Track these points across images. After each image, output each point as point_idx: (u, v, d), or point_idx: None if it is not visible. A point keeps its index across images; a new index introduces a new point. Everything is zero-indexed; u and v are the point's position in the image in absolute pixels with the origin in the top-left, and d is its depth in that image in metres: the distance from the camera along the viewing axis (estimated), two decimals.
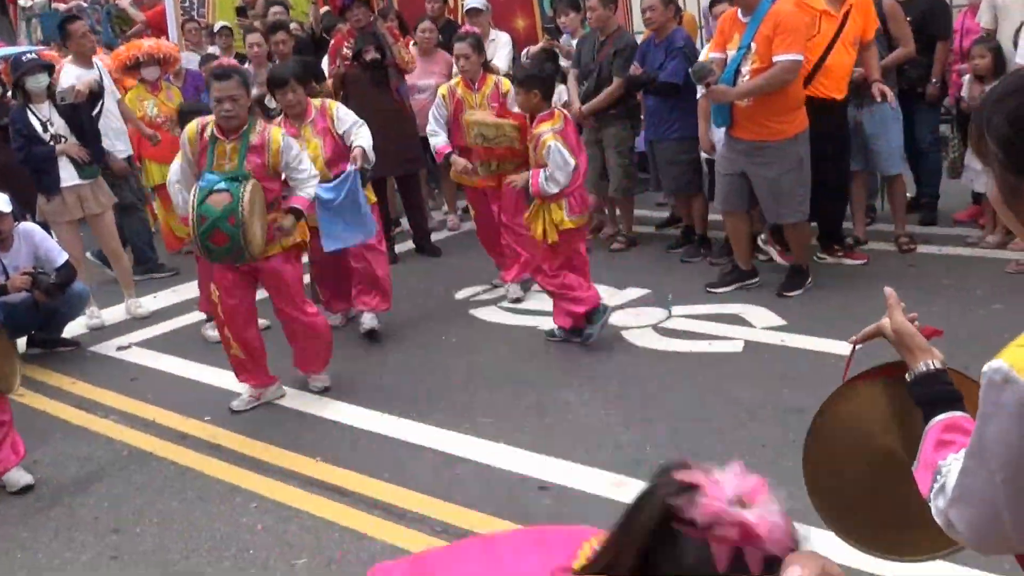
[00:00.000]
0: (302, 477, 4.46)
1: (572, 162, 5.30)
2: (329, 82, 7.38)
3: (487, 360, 5.64)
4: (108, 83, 7.61)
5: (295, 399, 5.37)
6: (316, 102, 5.91)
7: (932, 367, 1.78)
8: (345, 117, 5.84)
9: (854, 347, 1.99)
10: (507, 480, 4.23)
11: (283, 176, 5.13)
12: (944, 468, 1.60)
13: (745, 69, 5.66)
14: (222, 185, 4.78)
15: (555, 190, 5.28)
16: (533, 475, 4.25)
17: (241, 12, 10.61)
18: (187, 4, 11.39)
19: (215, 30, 9.88)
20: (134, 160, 8.21)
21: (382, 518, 4.03)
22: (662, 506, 1.31)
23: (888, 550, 2.01)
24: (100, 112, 7.25)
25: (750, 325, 5.61)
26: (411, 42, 8.01)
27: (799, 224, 6.05)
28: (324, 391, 5.41)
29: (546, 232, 5.40)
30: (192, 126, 5.02)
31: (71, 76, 7.22)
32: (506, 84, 6.38)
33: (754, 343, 5.38)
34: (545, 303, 6.25)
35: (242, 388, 5.30)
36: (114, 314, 7.08)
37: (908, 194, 7.18)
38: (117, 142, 7.56)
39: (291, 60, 7.12)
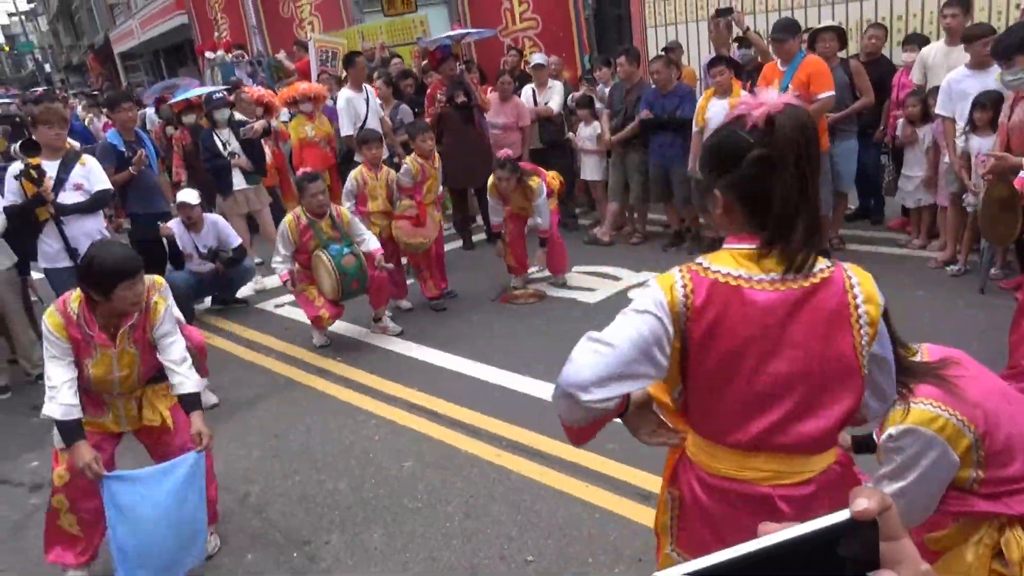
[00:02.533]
0: (407, 402, 4.50)
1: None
2: (428, 121, 7.39)
3: (539, 322, 5.62)
4: (374, 104, 7.41)
5: (399, 345, 5.40)
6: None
7: None
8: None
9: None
10: (551, 407, 4.19)
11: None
12: None
13: None
14: (347, 250, 5.20)
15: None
16: None
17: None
18: (323, 57, 11.46)
19: (341, 78, 9.94)
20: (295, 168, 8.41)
21: (463, 434, 4.05)
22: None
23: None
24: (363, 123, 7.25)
25: None
26: (489, 89, 7.99)
27: (824, 218, 6.01)
28: (399, 334, 5.50)
29: None
30: (289, 218, 5.27)
31: (343, 98, 7.25)
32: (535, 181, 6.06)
33: None
34: (580, 283, 6.27)
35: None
36: (273, 280, 7.14)
37: (851, 206, 7.04)
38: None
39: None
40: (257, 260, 7.30)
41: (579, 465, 3.61)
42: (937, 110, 5.63)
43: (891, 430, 1.90)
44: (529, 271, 6.46)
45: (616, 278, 6.40)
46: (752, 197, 1.46)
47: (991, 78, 5.28)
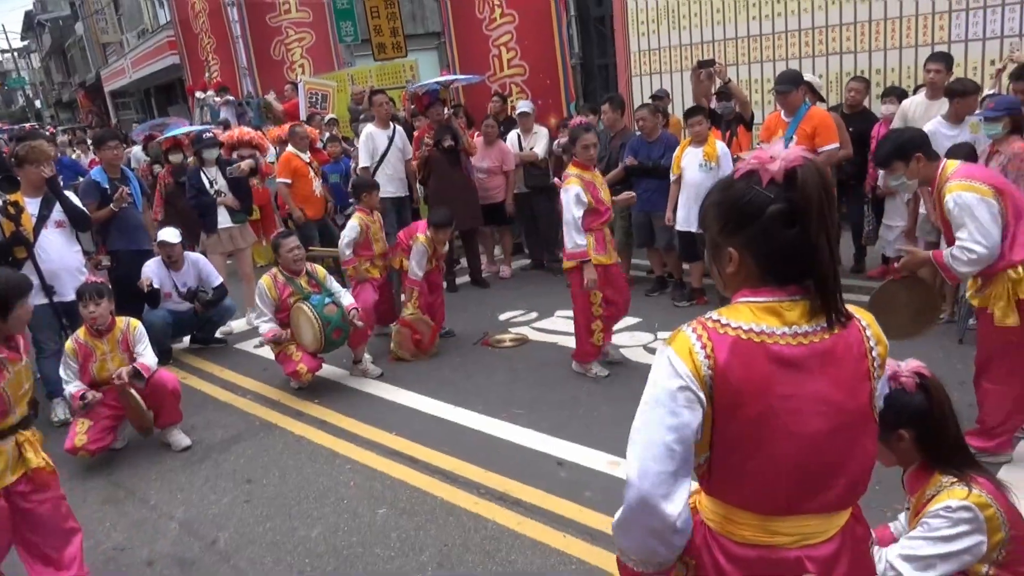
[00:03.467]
0: (384, 447, 4.44)
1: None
2: (415, 164, 7.48)
3: (521, 365, 5.59)
4: (399, 142, 7.60)
5: (379, 387, 5.34)
6: None
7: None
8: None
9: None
10: (533, 456, 4.18)
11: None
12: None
13: None
14: (328, 300, 5.24)
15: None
16: (552, 453, 4.20)
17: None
18: (313, 100, 11.58)
19: (325, 120, 10.16)
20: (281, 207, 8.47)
21: (440, 480, 3.99)
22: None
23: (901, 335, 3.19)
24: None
25: None
26: (475, 134, 8.06)
27: None
28: (380, 376, 5.46)
29: None
30: (266, 279, 5.27)
31: (365, 132, 7.61)
32: None
33: None
34: (563, 325, 6.25)
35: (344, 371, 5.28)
36: (241, 323, 7.09)
37: None
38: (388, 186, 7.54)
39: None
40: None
41: (557, 514, 3.56)
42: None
43: (951, 502, 2.01)
44: (513, 314, 6.47)
45: None
46: (773, 253, 1.43)
47: (965, 130, 5.41)
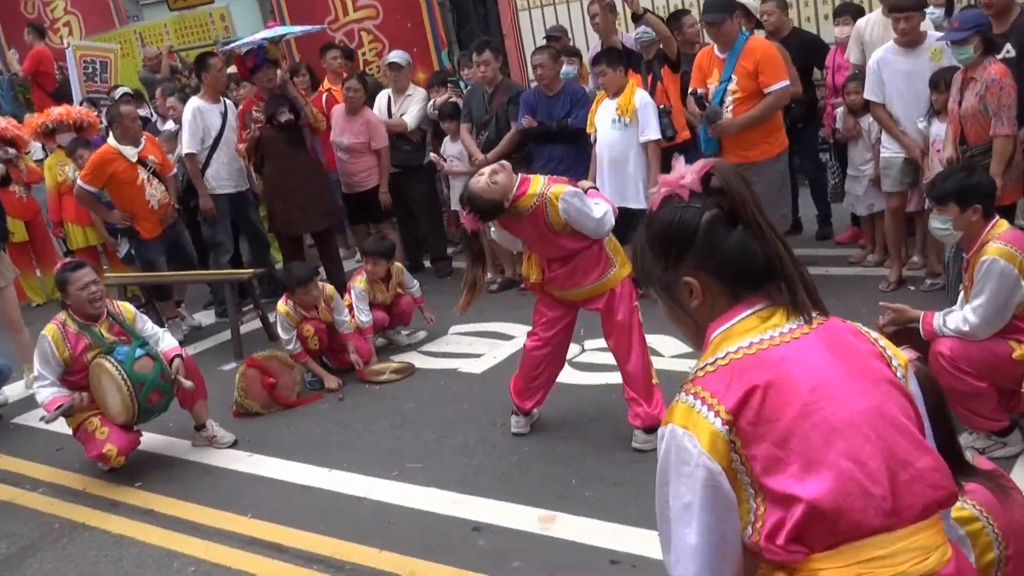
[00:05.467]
0: (238, 535, 4.36)
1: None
2: (240, 147, 7.35)
3: (410, 405, 5.59)
4: (233, 119, 7.55)
5: (231, 458, 5.25)
6: None
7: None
8: None
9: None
10: (441, 523, 4.19)
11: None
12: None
13: (728, 100, 5.97)
14: (141, 352, 5.04)
15: None
16: (465, 516, 4.22)
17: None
18: (90, 70, 11.21)
19: (116, 96, 9.62)
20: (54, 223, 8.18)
21: (321, 571, 3.95)
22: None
23: None
24: None
25: (659, 355, 5.69)
26: (325, 99, 8.00)
27: None
28: (234, 444, 5.38)
29: None
30: (51, 329, 5.04)
31: (190, 108, 7.55)
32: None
33: (665, 371, 5.43)
34: (462, 347, 6.30)
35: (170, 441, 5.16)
36: (16, 389, 6.78)
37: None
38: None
39: None
40: None
41: None
42: (865, 95, 6.10)
43: None
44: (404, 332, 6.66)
45: (508, 336, 6.48)
46: (729, 260, 1.70)
47: (924, 56, 5.78)
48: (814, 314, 1.71)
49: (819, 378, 1.63)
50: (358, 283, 6.32)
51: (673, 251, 1.72)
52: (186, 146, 7.49)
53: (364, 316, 6.26)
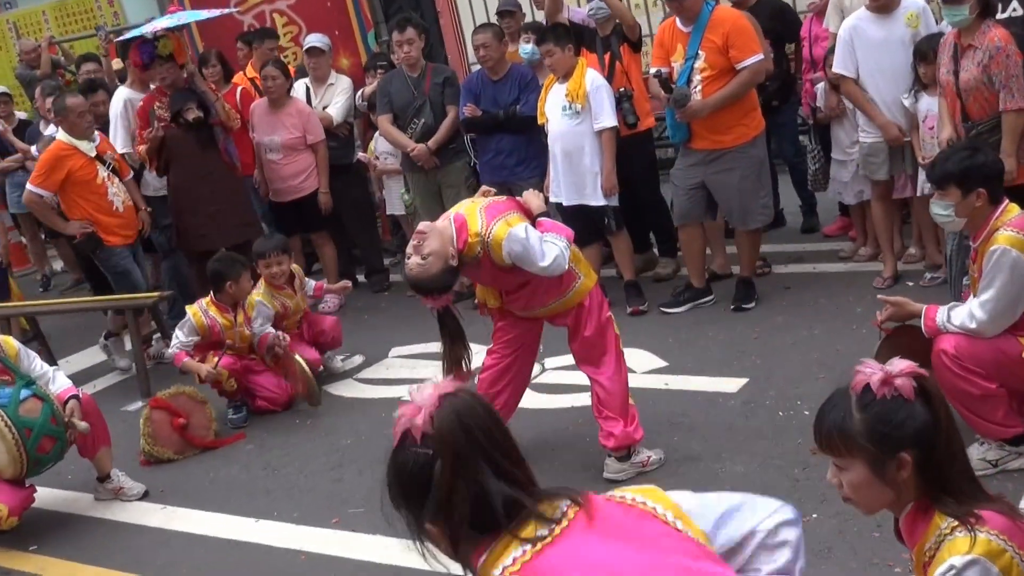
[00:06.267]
0: None
1: None
2: (141, 149, 7.20)
3: (348, 441, 5.55)
4: None
5: (141, 512, 5.17)
6: None
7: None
8: None
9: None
10: None
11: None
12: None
13: (696, 80, 5.97)
14: (26, 392, 4.90)
15: None
16: (418, 566, 4.11)
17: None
18: None
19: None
20: None
21: None
22: None
23: None
24: None
25: (631, 370, 5.65)
26: (238, 92, 7.92)
27: (757, 232, 6.38)
28: (145, 496, 5.30)
29: None
30: None
31: (121, 99, 7.66)
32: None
33: (637, 389, 5.40)
34: (404, 371, 6.22)
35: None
36: None
37: None
38: None
39: None
40: None
41: None
42: (835, 68, 6.14)
43: (954, 560, 2.15)
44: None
45: None
46: (468, 505, 1.81)
47: (900, 23, 5.82)
48: (565, 504, 1.85)
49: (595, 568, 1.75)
50: (257, 296, 6.02)
51: (411, 500, 1.89)
52: (120, 145, 7.42)
53: (259, 327, 6.04)
